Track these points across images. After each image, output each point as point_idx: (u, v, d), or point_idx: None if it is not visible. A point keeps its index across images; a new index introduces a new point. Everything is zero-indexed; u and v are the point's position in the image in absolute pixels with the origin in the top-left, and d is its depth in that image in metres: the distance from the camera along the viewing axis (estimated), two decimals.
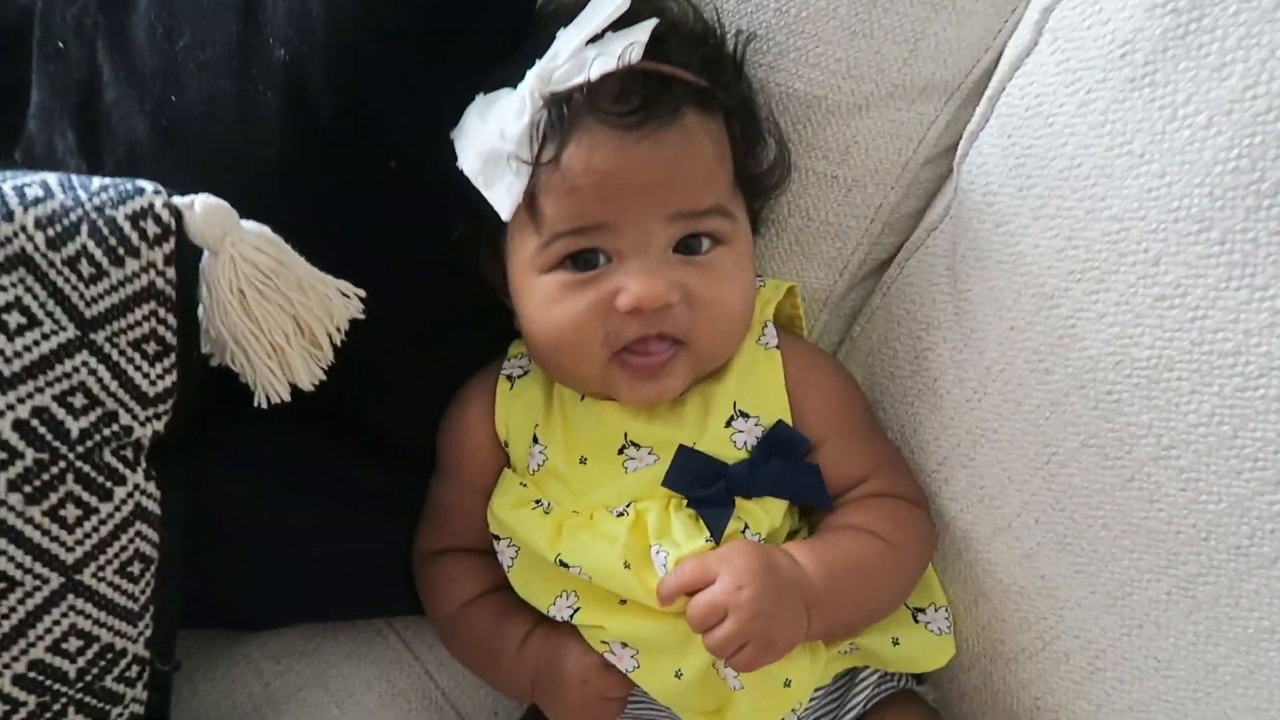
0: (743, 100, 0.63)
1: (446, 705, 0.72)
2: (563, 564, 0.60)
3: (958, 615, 0.66)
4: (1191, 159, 0.47)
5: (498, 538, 0.64)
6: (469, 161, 0.59)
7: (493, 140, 0.58)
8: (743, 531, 0.60)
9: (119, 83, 0.61)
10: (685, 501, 0.60)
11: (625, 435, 0.62)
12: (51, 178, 0.51)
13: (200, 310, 0.56)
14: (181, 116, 0.59)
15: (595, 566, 0.59)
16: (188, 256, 0.53)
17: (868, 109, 0.66)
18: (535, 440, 0.64)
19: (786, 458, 0.61)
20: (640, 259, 0.57)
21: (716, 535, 0.59)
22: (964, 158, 0.63)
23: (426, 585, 0.67)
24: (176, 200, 0.52)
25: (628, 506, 0.61)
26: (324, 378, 0.59)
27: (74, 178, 0.51)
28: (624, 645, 0.60)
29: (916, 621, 0.65)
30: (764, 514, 0.60)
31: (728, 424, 0.61)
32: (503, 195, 0.58)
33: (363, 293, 0.59)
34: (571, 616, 0.61)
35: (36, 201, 0.49)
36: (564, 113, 0.56)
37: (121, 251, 0.51)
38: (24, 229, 0.48)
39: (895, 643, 0.64)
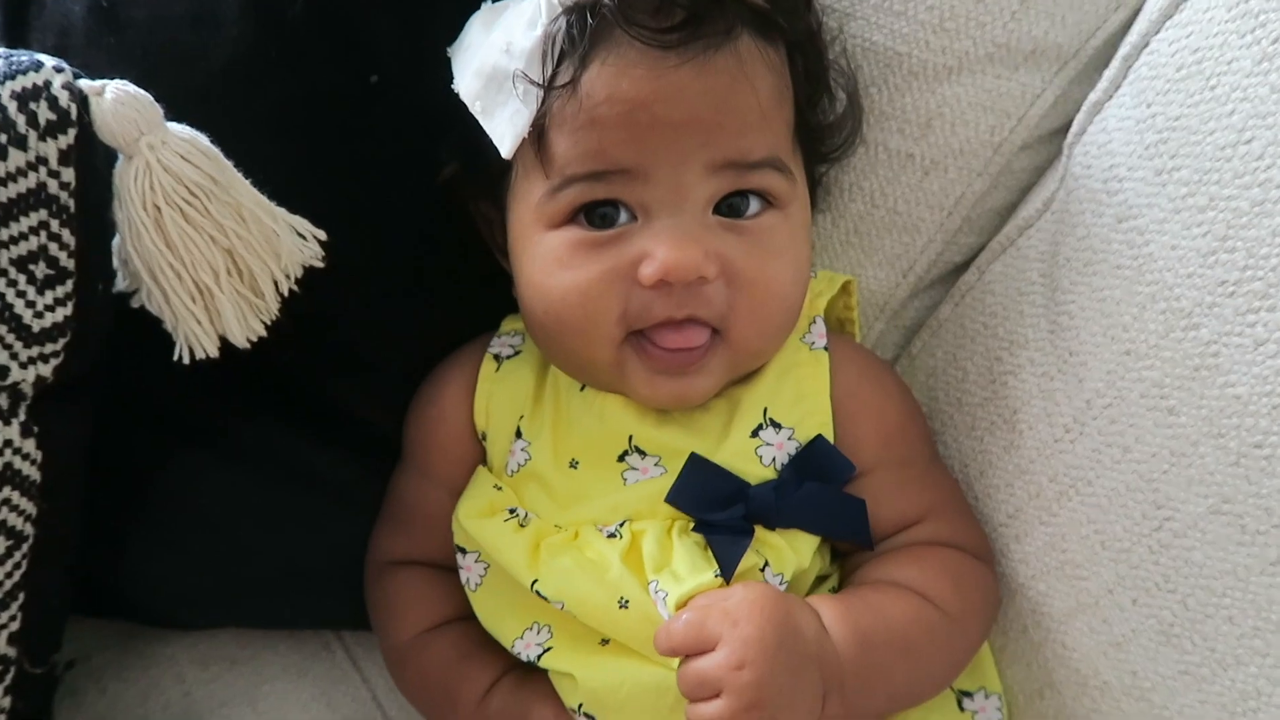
0: (810, 34, 0.53)
1: None
2: (539, 595, 0.50)
3: (1015, 707, 0.56)
4: None
5: (463, 550, 0.55)
6: (467, 82, 0.49)
7: (497, 56, 0.48)
8: (761, 570, 0.50)
9: None
10: (692, 524, 0.50)
11: (630, 439, 0.52)
12: None
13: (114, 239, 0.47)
14: None
15: (581, 602, 0.50)
16: (95, 158, 0.44)
17: (959, 73, 0.57)
18: (519, 434, 0.54)
19: (823, 482, 0.51)
20: (672, 218, 0.48)
21: (727, 571, 0.48)
22: (1079, 136, 0.53)
23: (378, 603, 0.59)
24: (83, 83, 0.43)
25: (621, 526, 0.51)
26: (263, 334, 0.50)
27: None
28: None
29: (962, 709, 0.55)
30: (790, 551, 0.51)
31: (754, 434, 0.51)
32: (504, 126, 0.48)
33: (323, 234, 0.51)
34: (539, 656, 0.51)
35: None
36: (588, 24, 0.46)
37: (3, 139, 0.41)
38: None
39: None
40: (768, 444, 0.51)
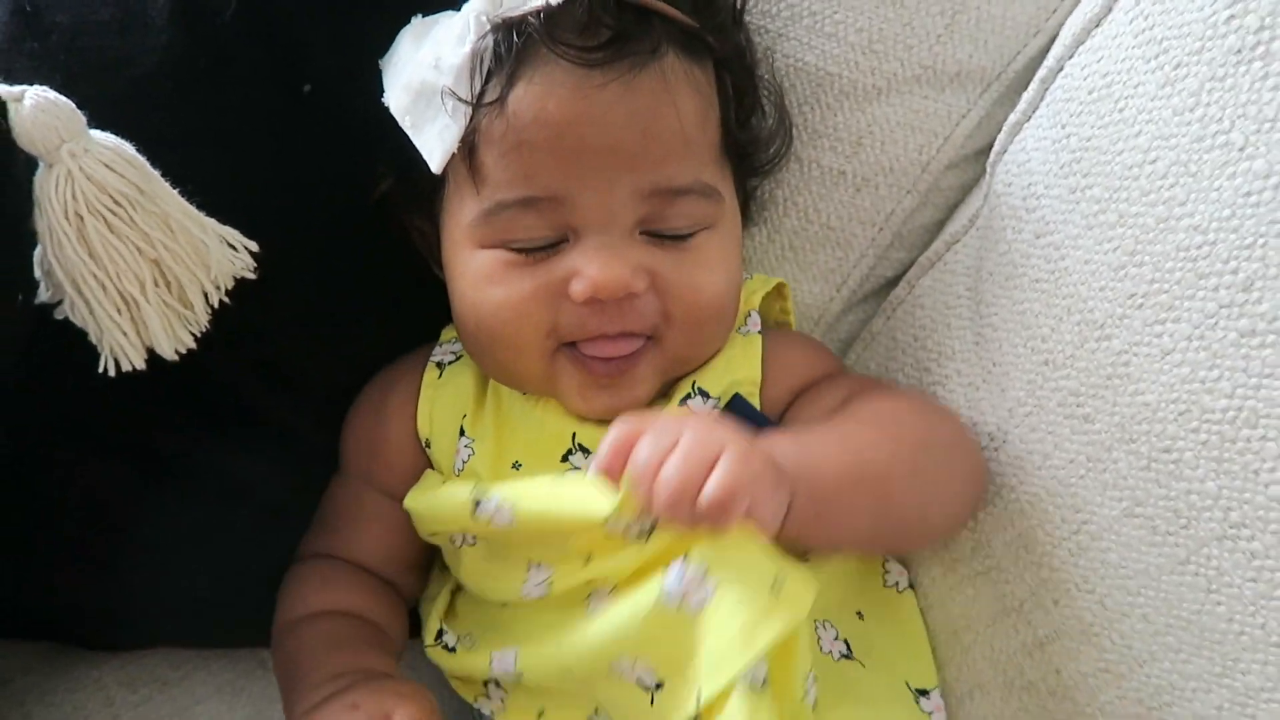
0: (738, 51, 0.54)
1: None
2: (478, 506, 0.49)
3: (948, 708, 0.56)
4: None
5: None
6: (396, 96, 0.49)
7: (426, 71, 0.48)
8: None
9: None
10: None
11: (573, 437, 0.52)
12: None
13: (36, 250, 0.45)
14: (50, 2, 0.50)
15: (526, 491, 0.49)
16: (15, 166, 0.43)
17: (888, 94, 0.58)
18: (462, 432, 0.54)
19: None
20: (600, 236, 0.48)
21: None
22: (1001, 154, 0.54)
23: (283, 585, 0.57)
24: (1, 89, 0.41)
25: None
26: (193, 346, 0.49)
27: None
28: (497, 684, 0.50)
29: (922, 710, 0.54)
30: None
31: (682, 402, 0.52)
32: (433, 141, 0.48)
33: (255, 246, 0.49)
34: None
35: None
36: (515, 42, 0.46)
37: None
38: None
39: None
40: (694, 409, 0.52)
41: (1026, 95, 0.53)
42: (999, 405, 0.52)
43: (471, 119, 0.47)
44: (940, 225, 0.61)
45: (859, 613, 0.55)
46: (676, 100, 0.48)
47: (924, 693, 0.55)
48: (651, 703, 0.46)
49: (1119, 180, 0.45)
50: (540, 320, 0.49)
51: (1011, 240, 0.51)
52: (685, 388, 0.52)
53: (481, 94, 0.47)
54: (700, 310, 0.50)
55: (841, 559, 0.55)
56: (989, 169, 0.55)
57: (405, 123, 0.48)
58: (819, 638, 0.52)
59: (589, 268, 0.47)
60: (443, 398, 0.55)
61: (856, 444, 0.47)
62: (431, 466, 0.55)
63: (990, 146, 0.56)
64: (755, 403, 0.52)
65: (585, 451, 0.51)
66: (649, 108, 0.47)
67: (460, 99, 0.47)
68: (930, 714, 0.55)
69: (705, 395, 0.52)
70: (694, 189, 0.49)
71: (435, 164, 0.48)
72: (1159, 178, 0.43)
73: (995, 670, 0.53)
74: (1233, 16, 0.40)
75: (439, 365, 0.56)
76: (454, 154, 0.48)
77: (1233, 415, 0.41)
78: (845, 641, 0.53)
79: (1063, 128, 0.48)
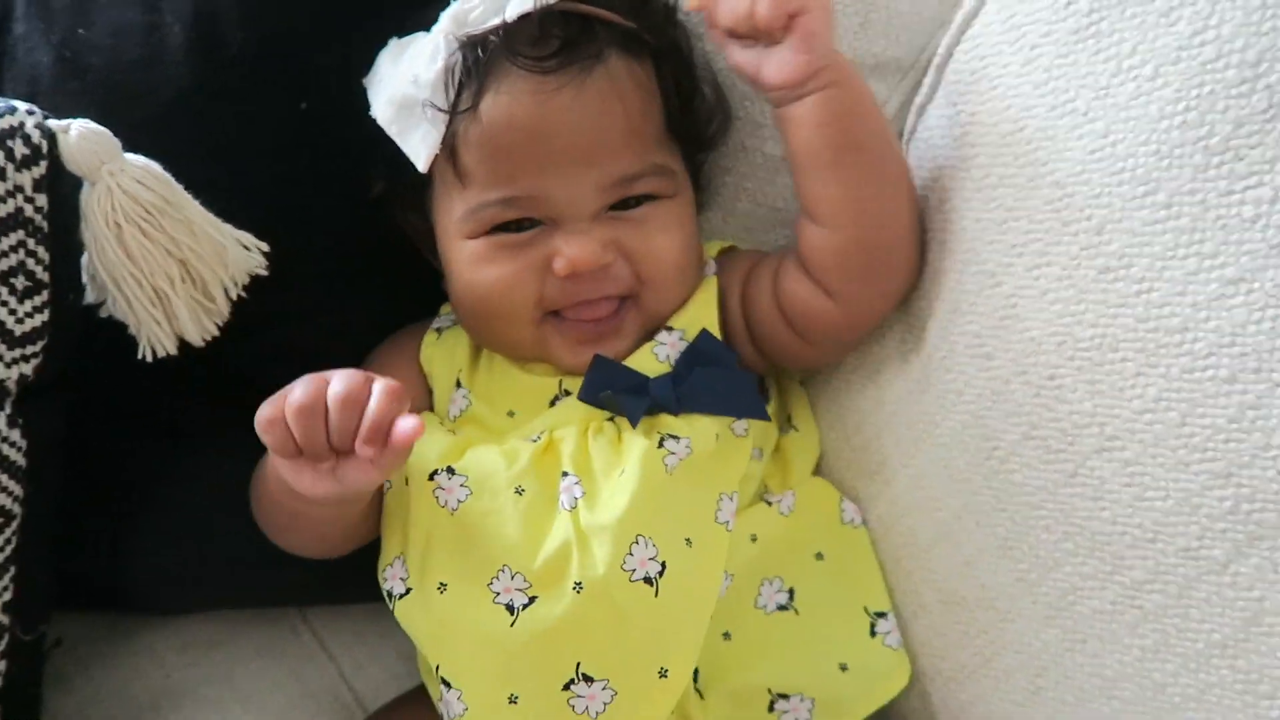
0: (673, 44, 0.61)
1: (359, 710, 0.68)
2: (450, 470, 0.54)
3: (901, 630, 0.61)
4: (1137, 114, 0.44)
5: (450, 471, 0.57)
6: (381, 109, 0.57)
7: (405, 86, 0.55)
8: (659, 445, 0.54)
9: (30, 15, 0.59)
10: (603, 424, 0.56)
11: (560, 384, 0.59)
12: None
13: (83, 256, 0.53)
14: (86, 48, 0.57)
15: (483, 477, 0.54)
16: (64, 186, 0.51)
17: None
18: (459, 384, 0.60)
19: (712, 367, 0.57)
20: (574, 222, 0.56)
21: (634, 418, 0.55)
22: (911, 135, 0.60)
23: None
24: (51, 123, 0.50)
25: (541, 435, 0.57)
26: (216, 333, 0.56)
27: None
28: (449, 687, 0.54)
29: (874, 635, 0.60)
30: (690, 431, 0.55)
31: (650, 338, 0.58)
32: (418, 146, 0.56)
33: (265, 246, 0.57)
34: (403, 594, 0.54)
35: None
36: (480, 57, 0.54)
37: None
38: None
39: (843, 669, 0.59)
40: (661, 344, 0.58)
41: (927, 80, 0.59)
42: (921, 354, 0.58)
43: (450, 125, 0.54)
44: None
45: (819, 554, 0.61)
46: (623, 97, 0.55)
47: (882, 615, 0.61)
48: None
49: (996, 148, 0.51)
50: (529, 292, 0.56)
51: (922, 209, 0.58)
52: (661, 330, 0.58)
53: (456, 103, 0.54)
54: (665, 268, 0.57)
55: (801, 510, 0.61)
56: (904, 148, 0.61)
57: (392, 131, 0.56)
58: (760, 594, 0.58)
59: (567, 249, 0.54)
60: (440, 355, 0.61)
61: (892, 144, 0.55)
62: (431, 405, 0.61)
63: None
64: (718, 334, 0.58)
65: (569, 393, 0.58)
66: (600, 107, 0.54)
67: (438, 109, 0.54)
68: (887, 634, 0.60)
69: (670, 329, 0.58)
70: (647, 171, 0.56)
71: (421, 165, 0.55)
72: (1025, 144, 0.49)
73: (933, 590, 0.59)
74: (1069, 3, 0.46)
75: (438, 330, 0.63)
76: (438, 157, 0.55)
77: (1098, 342, 0.47)
78: (790, 591, 0.59)
79: (954, 106, 0.55)
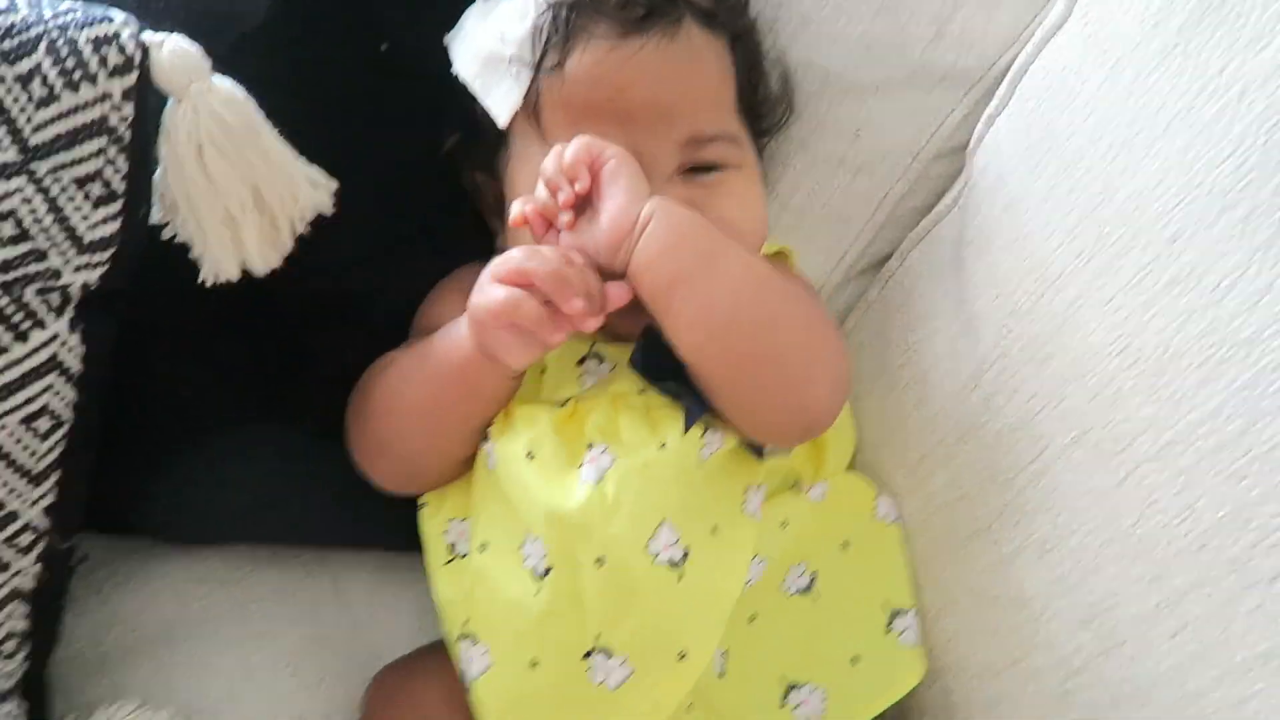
0: (747, 29, 0.62)
1: (370, 658, 0.67)
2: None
3: (925, 626, 0.62)
4: (1220, 133, 0.45)
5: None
6: (465, 65, 0.57)
7: (492, 43, 0.56)
8: (702, 435, 0.55)
9: None
10: (633, 397, 0.56)
11: (591, 346, 0.59)
12: None
13: (156, 172, 0.52)
14: None
15: (500, 432, 0.55)
16: (149, 98, 0.50)
17: (884, 91, 0.65)
18: None
19: None
20: (652, 181, 0.55)
21: (691, 419, 0.54)
22: (979, 143, 0.62)
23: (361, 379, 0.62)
24: (147, 35, 0.49)
25: (567, 401, 0.57)
26: (278, 265, 0.56)
27: None
28: (474, 642, 0.55)
29: (890, 630, 0.61)
30: (727, 426, 0.55)
31: None
32: (500, 101, 0.56)
33: (335, 184, 0.56)
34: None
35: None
36: (569, 16, 0.55)
37: (78, 76, 0.47)
38: None
39: (855, 661, 0.59)
40: None
41: (1000, 91, 0.60)
42: (973, 353, 0.59)
43: (534, 83, 0.55)
44: (928, 209, 0.68)
45: (846, 543, 0.62)
46: (703, 62, 0.56)
47: (901, 612, 0.61)
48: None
49: (1070, 158, 0.52)
50: None
51: (986, 213, 0.59)
52: None
53: (542, 60, 0.55)
54: (736, 233, 0.55)
55: (832, 500, 0.62)
56: (969, 155, 0.62)
57: (475, 86, 0.56)
58: (786, 577, 0.59)
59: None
60: None
61: (766, 270, 0.55)
62: None
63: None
64: None
65: (599, 359, 0.58)
66: (682, 67, 0.55)
67: (525, 63, 0.55)
68: (903, 631, 0.61)
69: None
70: (722, 135, 0.57)
71: (502, 120, 0.56)
72: (1101, 155, 0.50)
73: (964, 586, 0.59)
74: (1158, 23, 0.48)
75: None
76: (519, 114, 0.56)
77: (1162, 351, 0.48)
78: (812, 576, 0.59)
79: (1027, 117, 0.56)
